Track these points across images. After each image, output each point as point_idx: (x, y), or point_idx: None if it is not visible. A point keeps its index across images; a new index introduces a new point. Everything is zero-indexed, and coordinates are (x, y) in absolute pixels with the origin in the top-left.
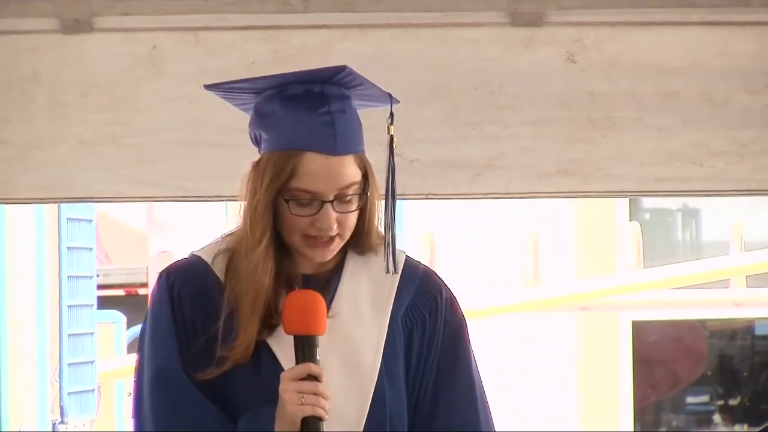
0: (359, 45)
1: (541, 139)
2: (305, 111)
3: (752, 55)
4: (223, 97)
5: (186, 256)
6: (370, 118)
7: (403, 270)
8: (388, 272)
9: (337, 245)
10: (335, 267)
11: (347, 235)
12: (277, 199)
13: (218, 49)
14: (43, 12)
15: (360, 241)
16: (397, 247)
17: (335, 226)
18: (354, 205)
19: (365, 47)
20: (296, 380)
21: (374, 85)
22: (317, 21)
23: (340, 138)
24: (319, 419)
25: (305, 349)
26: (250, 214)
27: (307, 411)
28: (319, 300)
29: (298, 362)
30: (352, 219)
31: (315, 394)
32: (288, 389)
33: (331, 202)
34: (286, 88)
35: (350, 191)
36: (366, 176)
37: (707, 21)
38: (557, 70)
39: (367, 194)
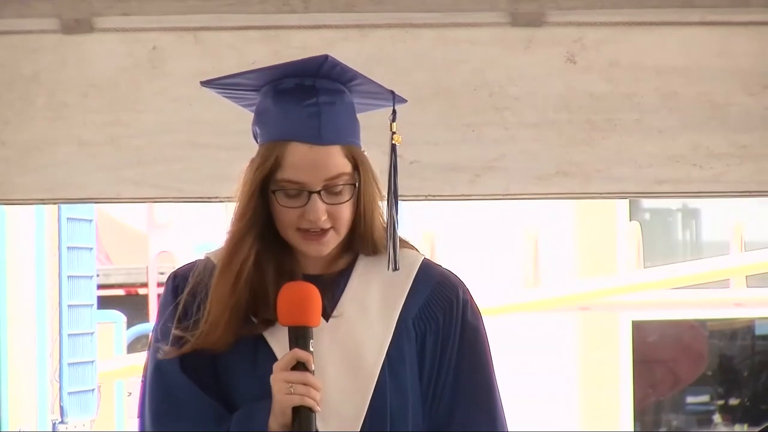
0: (359, 45)
1: (541, 141)
2: (294, 103)
3: (752, 55)
4: (223, 95)
5: (199, 258)
6: (368, 119)
7: (418, 272)
8: (388, 269)
9: (332, 239)
10: (345, 268)
11: (342, 229)
12: (267, 192)
13: (218, 49)
14: (43, 12)
15: (365, 239)
16: (399, 244)
17: (324, 217)
18: (345, 197)
19: (365, 47)
20: (286, 370)
21: (370, 79)
22: (317, 21)
23: (325, 128)
24: (310, 410)
25: (299, 340)
26: (237, 202)
27: (296, 400)
28: (313, 291)
29: None
30: (345, 212)
31: (304, 384)
32: (277, 379)
33: (319, 192)
34: (280, 83)
35: (339, 182)
36: (358, 168)
37: (707, 21)
38: (557, 71)
39: (356, 186)
